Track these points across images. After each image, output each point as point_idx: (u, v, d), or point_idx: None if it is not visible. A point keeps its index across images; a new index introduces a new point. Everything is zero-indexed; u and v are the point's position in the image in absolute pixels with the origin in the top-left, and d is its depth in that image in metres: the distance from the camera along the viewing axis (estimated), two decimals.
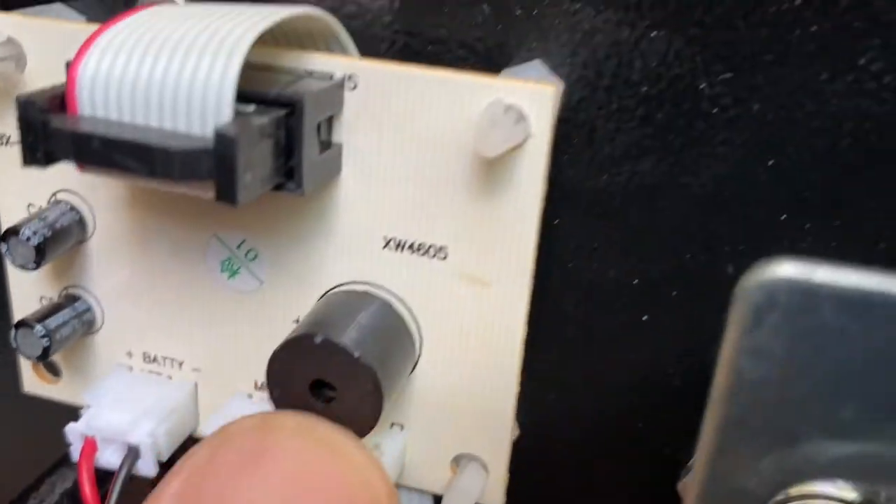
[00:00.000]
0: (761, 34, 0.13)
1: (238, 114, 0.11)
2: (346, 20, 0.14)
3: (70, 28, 0.14)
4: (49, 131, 0.11)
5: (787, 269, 0.09)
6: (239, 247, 0.14)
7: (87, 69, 0.12)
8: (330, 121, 0.13)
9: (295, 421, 0.11)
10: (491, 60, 0.14)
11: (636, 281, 0.14)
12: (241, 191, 0.11)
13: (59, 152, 0.11)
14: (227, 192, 0.11)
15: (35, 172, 0.15)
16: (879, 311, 0.09)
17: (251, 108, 0.12)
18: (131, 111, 0.11)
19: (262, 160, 0.11)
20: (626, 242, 0.14)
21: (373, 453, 0.11)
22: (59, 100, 0.12)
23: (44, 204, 0.15)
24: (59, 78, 0.12)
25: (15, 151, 0.15)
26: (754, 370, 0.09)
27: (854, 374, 0.09)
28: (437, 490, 0.15)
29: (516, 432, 0.16)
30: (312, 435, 0.10)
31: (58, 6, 0.16)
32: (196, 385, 0.16)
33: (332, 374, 0.13)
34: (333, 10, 0.14)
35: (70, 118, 0.11)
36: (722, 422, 0.10)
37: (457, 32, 0.14)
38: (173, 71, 0.11)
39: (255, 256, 0.14)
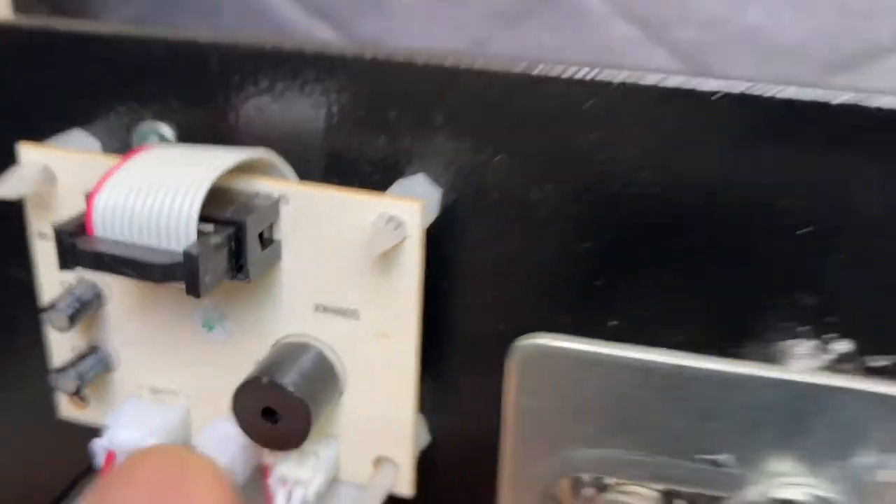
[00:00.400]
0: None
1: (201, 233, 0.17)
2: (285, 150, 0.19)
3: (85, 157, 0.20)
4: (76, 250, 0.17)
5: (541, 339, 0.15)
6: (214, 310, 0.20)
7: (100, 203, 0.17)
8: (271, 226, 0.18)
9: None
10: (389, 174, 0.19)
11: (502, 327, 0.20)
12: (202, 288, 0.16)
13: (82, 263, 0.17)
14: (192, 290, 0.16)
15: None
16: (600, 367, 0.15)
17: (210, 227, 0.17)
18: (130, 233, 0.17)
19: (217, 264, 0.17)
20: (489, 300, 0.20)
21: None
22: (82, 224, 0.17)
23: (73, 281, 0.21)
24: (78, 190, 0.18)
25: (51, 245, 0.20)
26: (523, 402, 0.15)
27: (589, 405, 0.15)
28: (364, 482, 0.21)
29: (428, 439, 0.22)
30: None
31: (76, 131, 0.21)
32: (188, 409, 0.21)
33: (276, 404, 0.18)
34: (279, 141, 0.20)
35: (89, 239, 0.17)
36: (512, 435, 0.15)
37: (364, 155, 0.19)
38: (157, 206, 0.17)
39: (224, 317, 0.20)
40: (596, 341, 0.15)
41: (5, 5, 0.33)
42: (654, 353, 0.15)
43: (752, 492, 0.15)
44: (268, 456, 0.20)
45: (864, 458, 0.14)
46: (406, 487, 0.20)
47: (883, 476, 0.14)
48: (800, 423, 0.14)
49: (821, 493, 0.14)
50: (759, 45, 0.39)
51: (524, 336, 0.15)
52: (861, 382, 0.14)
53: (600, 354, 0.14)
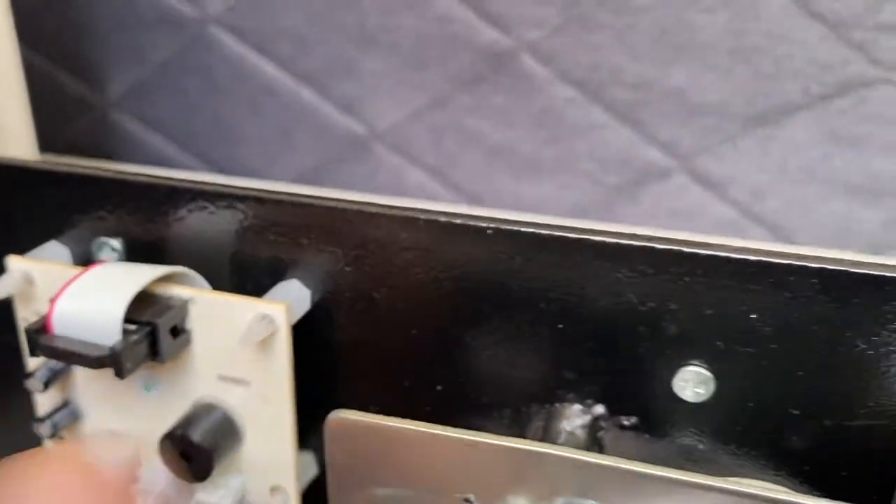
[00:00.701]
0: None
1: (126, 332, 0.24)
2: (201, 258, 0.26)
3: (54, 267, 0.27)
4: (40, 345, 0.24)
5: (340, 415, 0.21)
6: (150, 377, 0.27)
7: (58, 308, 0.24)
8: (183, 319, 0.25)
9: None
10: (275, 277, 0.26)
11: (357, 387, 0.26)
12: (125, 373, 0.23)
13: (44, 354, 0.24)
14: (118, 374, 0.23)
15: None
16: (382, 432, 0.21)
17: (133, 326, 0.24)
18: (77, 331, 0.24)
19: (138, 353, 0.24)
20: (349, 369, 0.26)
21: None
22: (44, 324, 0.24)
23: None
24: (52, 288, 0.25)
25: None
26: (337, 456, 0.22)
27: (380, 458, 0.22)
28: None
29: (316, 470, 0.28)
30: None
31: (52, 243, 0.28)
32: (137, 448, 0.28)
33: (187, 450, 0.25)
34: (196, 253, 0.27)
35: (48, 337, 0.24)
36: (333, 478, 0.22)
37: (258, 264, 0.26)
38: (95, 312, 0.24)
39: (158, 382, 0.27)
40: (379, 417, 0.22)
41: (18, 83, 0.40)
42: (419, 424, 0.21)
43: None
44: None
45: (560, 500, 0.21)
46: None
47: None
48: (517, 474, 0.21)
49: None
50: (684, 103, 0.44)
51: (336, 411, 0.22)
52: (549, 448, 0.21)
53: (381, 425, 0.21)
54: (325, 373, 0.27)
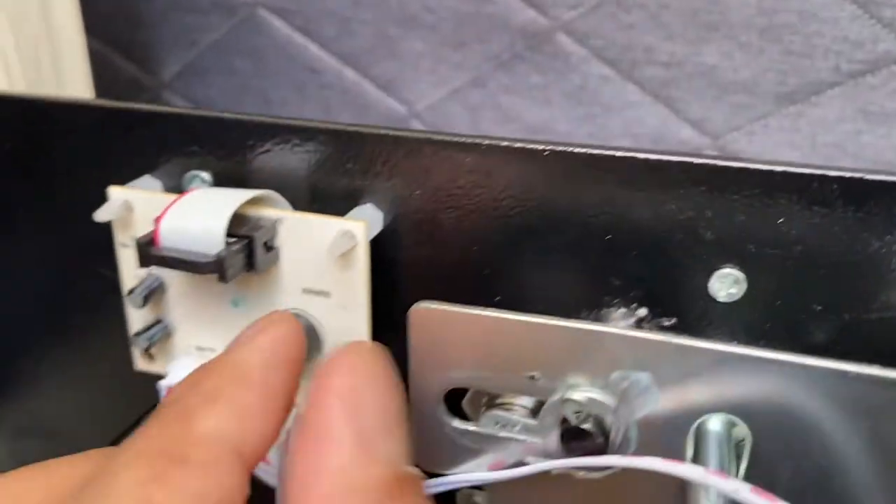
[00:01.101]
0: None
1: (228, 244, 0.27)
2: (284, 186, 0.30)
3: (151, 195, 0.30)
4: (149, 255, 0.27)
5: (425, 304, 0.25)
6: (238, 293, 0.30)
7: (164, 225, 0.27)
8: (272, 238, 0.29)
9: None
10: (350, 202, 0.29)
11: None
12: (228, 277, 0.27)
13: (153, 263, 0.27)
14: (222, 279, 0.27)
15: None
16: (462, 319, 0.25)
17: (234, 239, 0.27)
18: (182, 243, 0.27)
19: (237, 263, 0.27)
20: (415, 283, 0.30)
21: None
22: (152, 238, 0.28)
23: (144, 275, 0.31)
24: (150, 215, 0.28)
25: (131, 252, 0.31)
26: (418, 344, 0.25)
27: (458, 343, 0.25)
28: None
29: None
30: None
31: (145, 178, 0.32)
32: None
33: None
34: (279, 182, 0.30)
35: (156, 248, 0.27)
36: (413, 365, 0.25)
37: (335, 191, 0.30)
38: (198, 224, 0.27)
39: (245, 298, 0.30)
40: (458, 305, 0.25)
41: (84, 70, 0.44)
42: (490, 311, 0.25)
43: (557, 396, 0.25)
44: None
45: (617, 374, 0.24)
46: None
47: (625, 384, 0.24)
48: (576, 353, 0.24)
49: (593, 395, 0.24)
50: (715, 81, 0.46)
51: (419, 302, 0.25)
52: (605, 327, 0.24)
53: (460, 313, 0.25)
54: (394, 288, 0.30)
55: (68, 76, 0.44)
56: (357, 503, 0.19)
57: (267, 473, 0.29)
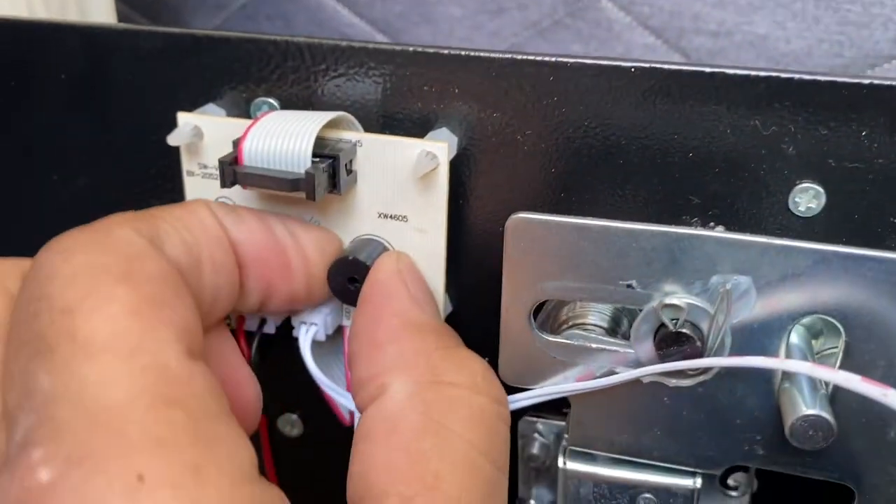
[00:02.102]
0: None
1: (313, 163, 0.27)
2: (355, 111, 0.30)
3: (222, 121, 0.30)
4: (234, 173, 0.27)
5: (523, 214, 0.25)
6: (311, 219, 0.30)
7: (246, 144, 0.27)
8: (351, 161, 0.29)
9: None
10: (424, 127, 0.30)
11: (500, 228, 0.30)
12: (317, 196, 0.26)
13: (239, 181, 0.27)
14: (310, 196, 0.26)
15: (211, 186, 0.30)
16: (558, 229, 0.25)
17: (318, 160, 0.27)
18: (266, 163, 0.27)
19: (323, 181, 0.27)
20: (491, 209, 0.30)
21: None
22: (235, 158, 0.27)
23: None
24: (219, 141, 0.28)
25: (197, 179, 0.31)
26: (513, 255, 0.25)
27: (553, 254, 0.25)
28: None
29: (451, 308, 0.32)
30: None
31: (210, 105, 0.31)
32: None
33: (356, 273, 0.28)
34: (351, 108, 0.30)
35: (240, 167, 0.27)
36: (507, 276, 0.26)
37: (409, 115, 0.30)
38: (285, 145, 0.27)
39: (320, 222, 0.30)
40: (554, 215, 0.25)
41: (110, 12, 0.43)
42: (587, 219, 0.25)
43: (654, 303, 0.25)
44: (346, 319, 0.30)
45: (716, 278, 0.25)
46: None
47: (727, 286, 0.25)
48: (674, 259, 0.25)
49: (692, 300, 0.25)
50: (766, 52, 0.44)
51: (515, 213, 0.25)
52: (707, 231, 0.25)
53: (558, 222, 0.25)
54: (470, 213, 0.30)
55: None
56: (414, 334, 0.25)
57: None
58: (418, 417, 0.22)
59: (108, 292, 0.19)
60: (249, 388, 0.27)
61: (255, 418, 0.28)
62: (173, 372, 0.19)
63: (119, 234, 0.22)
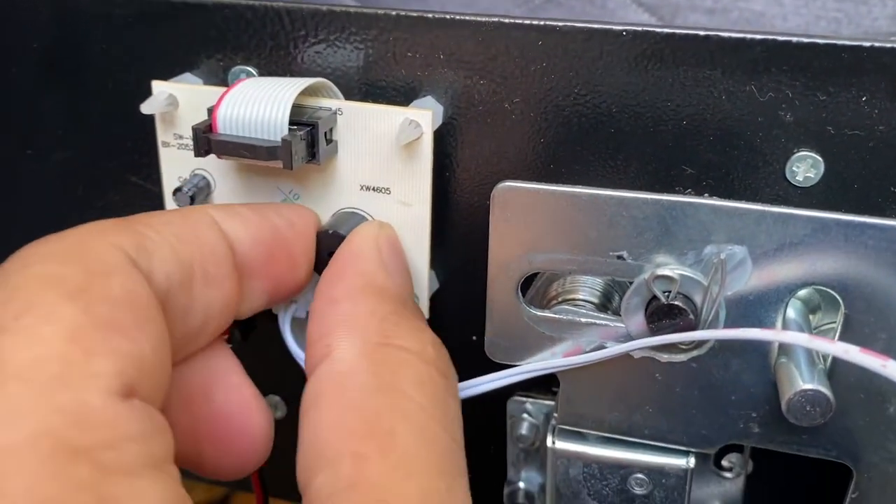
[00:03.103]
0: None
1: (290, 130, 0.26)
2: (336, 79, 0.28)
3: (197, 88, 0.29)
4: (209, 141, 0.26)
5: (511, 182, 0.24)
6: (291, 191, 0.29)
7: (221, 112, 0.26)
8: (331, 130, 0.27)
9: None
10: (408, 95, 0.28)
11: (486, 202, 0.29)
12: (294, 164, 0.25)
13: (213, 150, 0.26)
14: (287, 164, 0.25)
15: (187, 157, 0.29)
16: (547, 198, 0.24)
17: (296, 127, 0.26)
18: (242, 131, 0.26)
19: (300, 150, 0.26)
20: (478, 180, 0.29)
21: None
22: (209, 126, 0.26)
23: (187, 176, 0.30)
24: (194, 110, 0.27)
25: (173, 150, 0.29)
26: (500, 224, 0.24)
27: (541, 223, 0.24)
28: None
29: (437, 285, 0.31)
30: None
31: (187, 74, 0.30)
32: None
33: (336, 247, 0.27)
34: (332, 75, 0.29)
35: (215, 134, 0.26)
36: (494, 247, 0.25)
37: (392, 83, 0.29)
38: (261, 112, 0.26)
39: (299, 196, 0.29)
40: (543, 183, 0.24)
41: None
42: (577, 187, 0.24)
43: (645, 275, 0.24)
44: None
45: (710, 248, 0.24)
46: (424, 313, 0.30)
47: (721, 256, 0.23)
48: (667, 228, 0.24)
49: (684, 272, 0.24)
50: (763, 29, 0.43)
51: (502, 182, 0.24)
52: (701, 199, 0.23)
53: (546, 190, 0.24)
54: (455, 185, 0.29)
55: None
56: (372, 296, 0.24)
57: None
58: (368, 377, 0.21)
59: (50, 311, 0.17)
60: (254, 413, 0.25)
61: (262, 448, 0.25)
62: (94, 414, 0.16)
63: (92, 245, 0.19)
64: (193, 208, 0.24)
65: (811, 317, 0.25)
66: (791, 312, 0.25)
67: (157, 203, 0.31)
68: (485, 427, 0.33)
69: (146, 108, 0.28)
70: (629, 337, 0.25)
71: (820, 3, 0.42)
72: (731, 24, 0.43)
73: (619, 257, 0.24)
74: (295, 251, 0.26)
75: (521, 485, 0.32)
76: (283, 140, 0.25)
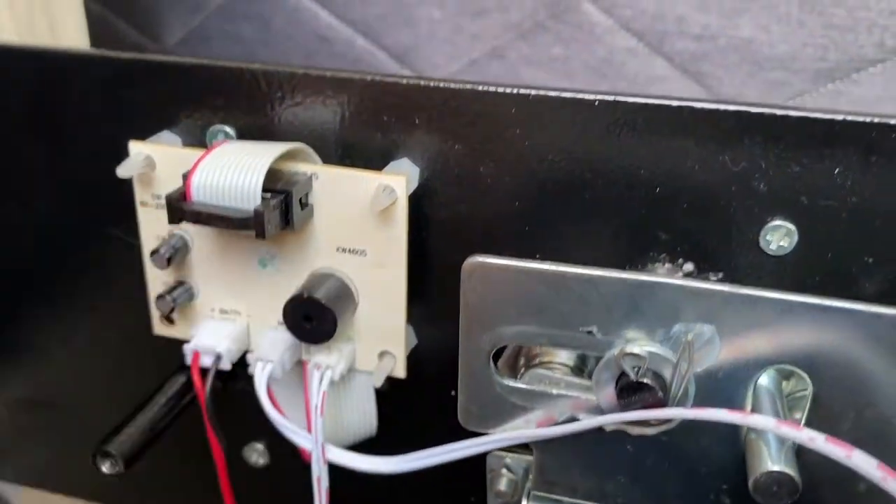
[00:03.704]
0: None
1: (263, 199, 0.26)
2: (313, 141, 0.28)
3: (174, 150, 0.29)
4: (182, 210, 0.26)
5: (480, 258, 0.24)
6: (267, 253, 0.29)
7: (195, 180, 0.26)
8: (307, 194, 0.28)
9: None
10: (385, 157, 0.28)
11: (461, 261, 0.29)
12: (267, 234, 0.25)
13: (186, 218, 0.26)
14: (260, 235, 0.25)
15: (164, 218, 0.29)
16: (516, 273, 0.24)
17: (269, 195, 0.26)
18: (215, 199, 0.26)
19: (274, 219, 0.26)
20: (453, 243, 0.29)
21: None
22: (183, 193, 0.26)
23: (166, 235, 0.30)
24: (172, 171, 0.27)
25: (151, 210, 0.30)
26: (470, 298, 0.24)
27: (510, 298, 0.24)
28: (372, 370, 0.30)
29: (415, 341, 0.31)
30: None
31: (165, 132, 0.30)
32: (247, 324, 0.30)
33: (312, 311, 0.27)
34: (308, 137, 0.29)
35: (188, 203, 0.26)
36: (464, 320, 0.25)
37: (368, 145, 0.29)
38: (234, 181, 0.26)
39: (274, 258, 0.29)
40: (513, 258, 0.24)
41: (81, 31, 0.42)
42: (546, 264, 0.24)
43: (615, 350, 0.24)
44: (305, 353, 0.30)
45: (678, 326, 0.24)
46: (401, 372, 0.30)
47: (690, 336, 0.23)
48: (636, 305, 0.24)
49: (653, 349, 0.24)
50: (751, 56, 0.42)
51: (472, 256, 0.24)
52: (668, 279, 0.23)
53: (516, 266, 0.24)
54: (431, 246, 0.29)
55: (64, 40, 0.42)
56: None
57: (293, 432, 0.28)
58: None
59: None
60: None
61: None
62: None
63: None
64: None
65: (784, 383, 0.25)
66: (763, 380, 0.25)
67: (136, 256, 0.32)
68: (466, 479, 0.33)
69: (122, 170, 0.28)
70: (600, 409, 0.25)
71: (807, 31, 0.41)
72: (718, 51, 0.43)
73: (589, 333, 0.24)
74: None
75: None
76: (256, 211, 0.25)
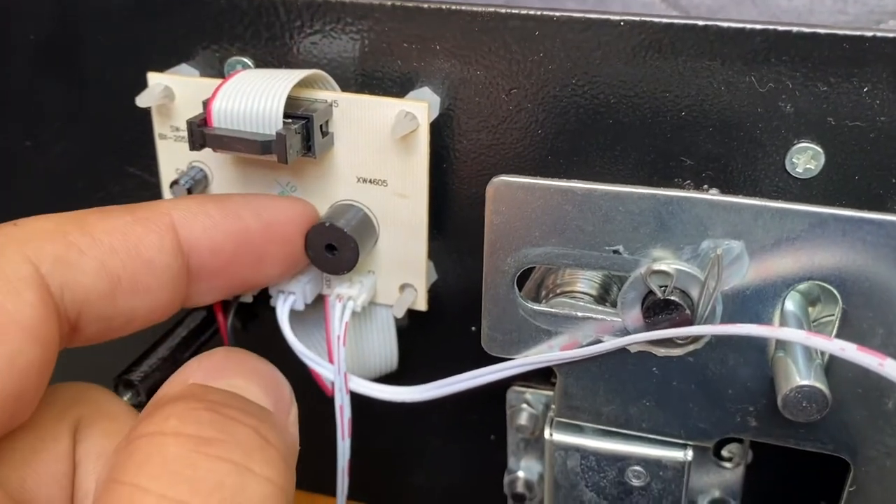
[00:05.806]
0: None
1: (285, 124, 0.26)
2: (332, 70, 0.28)
3: (193, 80, 0.28)
4: (203, 135, 0.26)
5: (505, 177, 0.24)
6: (287, 184, 0.29)
7: (216, 106, 0.26)
8: (327, 122, 0.27)
9: None
10: (405, 86, 0.28)
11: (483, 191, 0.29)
12: (289, 158, 0.25)
13: (208, 144, 0.26)
14: (282, 158, 0.25)
15: (184, 149, 0.29)
16: (541, 192, 0.24)
17: (290, 121, 0.26)
18: (236, 125, 0.26)
19: (295, 144, 0.26)
20: (474, 171, 0.29)
21: None
22: (204, 119, 0.26)
23: (184, 168, 0.30)
24: (190, 101, 0.27)
25: (170, 143, 0.29)
26: (495, 219, 0.24)
27: (535, 218, 0.24)
28: (392, 303, 0.30)
29: (435, 276, 0.31)
30: None
31: (183, 66, 0.30)
32: None
33: (335, 240, 0.27)
34: (327, 66, 0.28)
35: (209, 128, 0.26)
36: (489, 242, 0.24)
37: (388, 74, 0.28)
38: (255, 106, 0.26)
39: (295, 188, 0.29)
40: (538, 178, 0.24)
41: None
42: (572, 182, 0.24)
43: (641, 269, 0.24)
44: (325, 288, 0.29)
45: (706, 243, 0.23)
46: (422, 305, 0.30)
47: (718, 251, 0.23)
48: (663, 223, 0.23)
49: (681, 266, 0.24)
50: (767, 9, 0.42)
51: (497, 176, 0.24)
52: (697, 193, 0.23)
53: (541, 185, 0.24)
54: (452, 177, 0.29)
55: None
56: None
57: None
58: None
59: None
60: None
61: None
62: None
63: (4, 254, 0.19)
64: (154, 209, 0.23)
65: (810, 309, 0.25)
66: (790, 305, 0.24)
67: (156, 194, 0.31)
68: (485, 415, 0.33)
69: (142, 100, 0.28)
70: (626, 331, 0.25)
71: None
72: (735, 4, 0.42)
73: (615, 252, 0.24)
74: (265, 252, 0.26)
75: (521, 474, 0.32)
76: (278, 134, 0.25)
